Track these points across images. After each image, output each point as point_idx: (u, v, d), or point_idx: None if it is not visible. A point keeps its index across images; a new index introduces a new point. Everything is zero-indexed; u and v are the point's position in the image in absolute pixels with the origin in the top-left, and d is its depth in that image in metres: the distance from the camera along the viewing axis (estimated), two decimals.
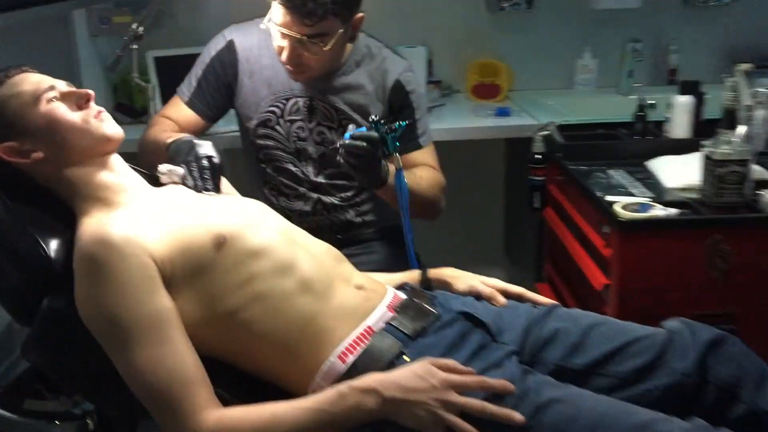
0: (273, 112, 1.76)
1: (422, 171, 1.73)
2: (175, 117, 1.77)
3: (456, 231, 2.74)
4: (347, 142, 1.42)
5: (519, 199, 2.49)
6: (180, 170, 1.40)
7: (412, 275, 1.44)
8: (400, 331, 1.20)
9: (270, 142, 1.79)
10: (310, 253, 1.27)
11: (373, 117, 1.44)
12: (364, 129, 1.44)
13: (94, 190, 1.26)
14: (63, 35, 2.24)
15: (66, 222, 1.26)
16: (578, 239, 1.90)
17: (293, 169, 1.79)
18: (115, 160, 1.31)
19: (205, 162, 1.39)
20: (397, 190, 1.52)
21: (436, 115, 2.47)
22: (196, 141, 1.44)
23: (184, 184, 1.39)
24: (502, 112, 2.43)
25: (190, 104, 1.77)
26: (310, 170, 1.78)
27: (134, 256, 1.13)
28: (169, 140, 1.54)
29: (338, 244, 1.70)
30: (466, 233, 2.78)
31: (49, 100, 1.24)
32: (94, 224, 1.20)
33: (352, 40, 1.69)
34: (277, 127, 1.77)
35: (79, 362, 1.21)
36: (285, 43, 1.59)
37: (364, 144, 1.41)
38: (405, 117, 1.72)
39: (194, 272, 1.17)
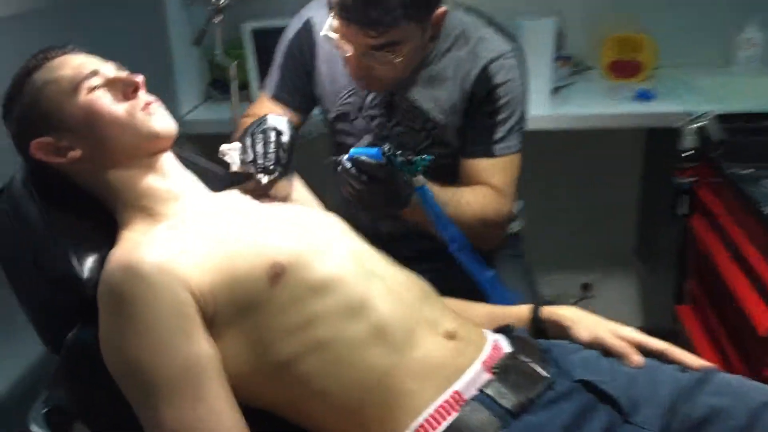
0: (352, 104, 1.48)
1: (475, 193, 1.37)
2: (261, 114, 1.54)
3: (582, 228, 2.42)
4: (347, 166, 1.13)
5: (658, 201, 2.13)
6: (238, 152, 1.15)
7: (519, 313, 1.15)
8: (498, 404, 0.92)
9: (349, 139, 1.52)
10: (388, 288, 1.01)
11: (385, 148, 1.11)
12: (375, 152, 1.11)
13: (137, 198, 1.06)
14: (153, 5, 2.06)
15: (108, 234, 1.07)
16: (737, 261, 1.53)
17: None
18: (166, 160, 1.10)
19: (272, 135, 1.14)
20: (428, 212, 1.20)
21: (563, 96, 2.13)
22: (269, 115, 1.19)
23: (246, 165, 1.14)
24: (644, 96, 2.05)
25: (277, 99, 1.52)
26: None
27: (168, 289, 0.91)
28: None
29: (433, 255, 1.44)
30: (594, 231, 2.43)
31: (91, 89, 1.04)
32: (127, 244, 0.99)
33: (433, 39, 1.37)
34: (356, 122, 1.50)
35: (107, 405, 1.01)
36: (350, 52, 1.30)
37: (364, 178, 1.12)
38: (485, 116, 1.39)
39: (242, 310, 0.94)
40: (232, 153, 1.15)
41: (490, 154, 1.40)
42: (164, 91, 2.05)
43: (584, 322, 1.08)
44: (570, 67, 2.28)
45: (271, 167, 1.11)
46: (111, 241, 1.05)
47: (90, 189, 1.08)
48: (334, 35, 1.28)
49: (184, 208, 1.06)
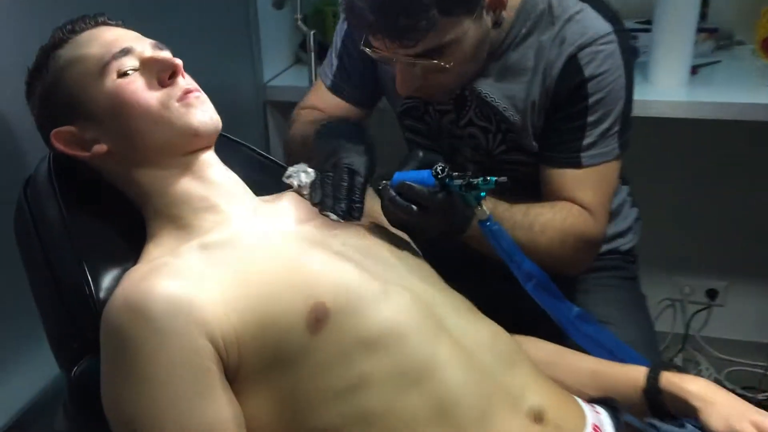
0: (420, 97, 1.24)
1: (555, 212, 1.10)
2: (321, 107, 1.31)
3: (712, 230, 2.10)
4: (391, 195, 0.91)
5: None
6: (305, 176, 0.98)
7: (632, 377, 0.90)
8: None
9: (419, 138, 1.28)
10: (461, 348, 0.79)
11: (438, 169, 0.88)
12: (426, 176, 0.89)
13: (169, 205, 0.88)
14: None
15: (134, 245, 0.90)
16: None
17: None
18: (206, 161, 0.91)
19: (345, 177, 0.94)
20: (495, 248, 0.96)
21: (704, 77, 1.79)
22: (344, 143, 0.99)
23: (303, 194, 0.97)
24: None
25: (335, 89, 1.29)
26: None
27: (182, 335, 0.73)
28: (321, 124, 1.11)
29: None
30: (726, 234, 2.09)
31: (122, 73, 0.86)
32: (145, 265, 0.82)
33: (497, 24, 1.09)
34: (426, 117, 1.25)
35: None
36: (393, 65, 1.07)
37: (413, 208, 0.89)
38: (572, 116, 1.11)
39: (274, 363, 0.76)
40: (299, 175, 0.97)
41: (576, 164, 1.12)
42: (248, 53, 1.89)
43: (718, 406, 0.82)
44: (714, 40, 1.93)
45: (341, 213, 0.91)
46: (136, 255, 0.88)
47: (120, 189, 0.92)
48: (369, 50, 1.06)
49: (223, 222, 0.87)
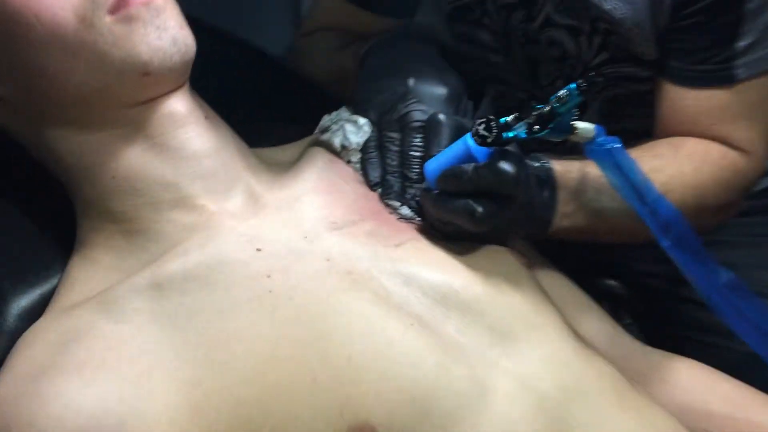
0: None
1: (680, 164, 0.72)
2: (339, 26, 0.88)
3: None
4: (432, 201, 0.55)
5: None
6: (353, 132, 0.61)
7: None
8: None
9: (476, 50, 0.86)
10: None
11: (478, 128, 0.52)
12: (464, 148, 0.54)
13: (107, 195, 0.54)
14: None
15: (58, 254, 0.56)
16: None
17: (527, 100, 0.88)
18: (173, 116, 0.53)
19: (417, 139, 0.58)
20: (615, 182, 0.60)
21: None
22: (412, 82, 0.63)
23: (350, 162, 0.61)
24: None
25: None
26: None
27: None
28: (365, 47, 0.75)
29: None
30: None
31: None
32: (45, 336, 0.46)
33: None
34: (485, 20, 0.83)
35: None
36: None
37: (474, 206, 0.53)
38: (715, 8, 0.70)
39: None
40: (343, 129, 0.61)
41: (724, 80, 0.73)
42: None
43: None
44: None
45: (413, 204, 0.57)
46: (62, 269, 0.54)
47: (42, 162, 0.56)
48: None
49: (199, 228, 0.51)
